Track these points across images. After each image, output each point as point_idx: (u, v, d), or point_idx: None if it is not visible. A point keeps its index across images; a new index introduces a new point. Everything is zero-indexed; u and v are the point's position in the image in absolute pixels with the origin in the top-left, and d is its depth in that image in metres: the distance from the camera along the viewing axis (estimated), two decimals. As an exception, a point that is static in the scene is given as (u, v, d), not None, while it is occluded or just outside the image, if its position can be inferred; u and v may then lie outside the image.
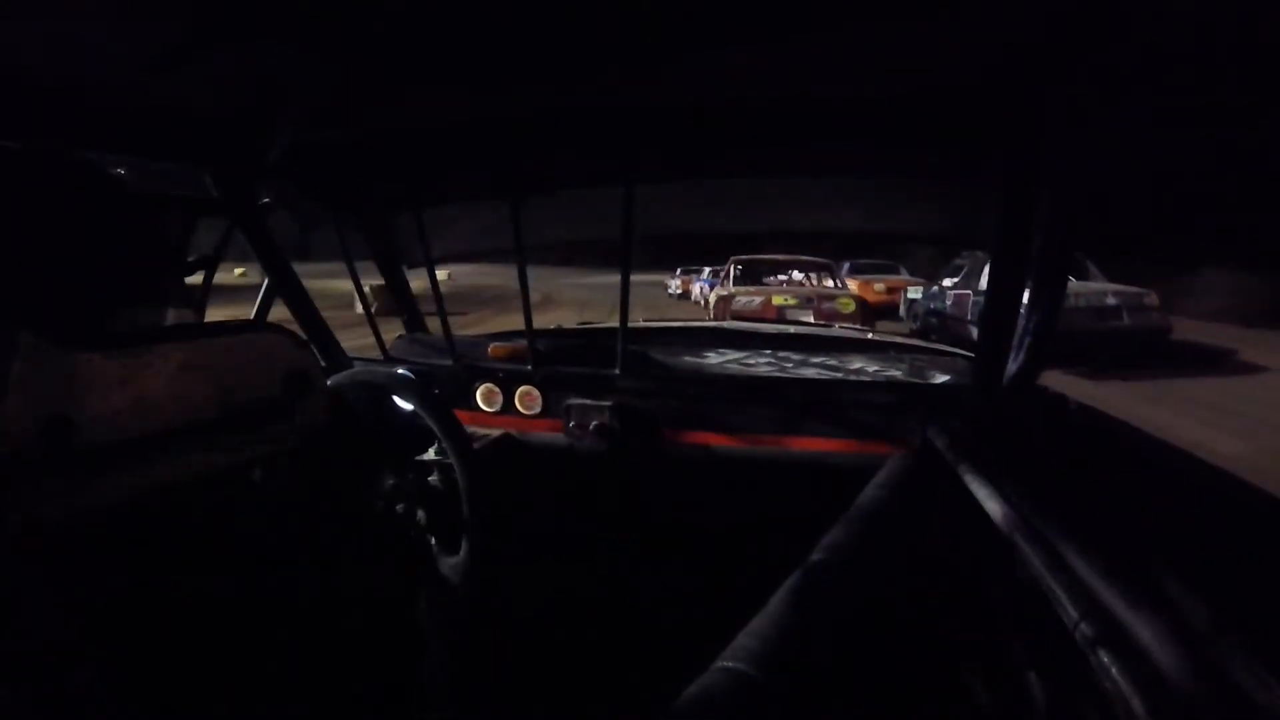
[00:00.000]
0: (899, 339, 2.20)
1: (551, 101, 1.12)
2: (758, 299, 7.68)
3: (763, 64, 0.95)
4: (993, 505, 0.85)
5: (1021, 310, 1.19)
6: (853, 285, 10.16)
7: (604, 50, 0.90)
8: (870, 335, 2.35)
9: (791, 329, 2.53)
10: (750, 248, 8.73)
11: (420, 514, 1.17)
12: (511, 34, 0.84)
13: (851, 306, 7.51)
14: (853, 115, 1.11)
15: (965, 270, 8.74)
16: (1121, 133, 0.94)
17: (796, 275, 8.93)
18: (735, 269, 8.64)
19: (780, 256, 8.87)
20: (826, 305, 7.59)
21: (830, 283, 8.52)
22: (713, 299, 8.27)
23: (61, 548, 0.70)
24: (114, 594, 0.76)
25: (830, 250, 9.16)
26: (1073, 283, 6.51)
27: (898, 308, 11.59)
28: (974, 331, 8.09)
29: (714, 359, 1.64)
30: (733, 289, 8.10)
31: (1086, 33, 0.76)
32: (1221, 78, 0.72)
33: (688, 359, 1.65)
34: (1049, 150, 1.04)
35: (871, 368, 1.60)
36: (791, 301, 7.60)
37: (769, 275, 8.99)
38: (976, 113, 1.04)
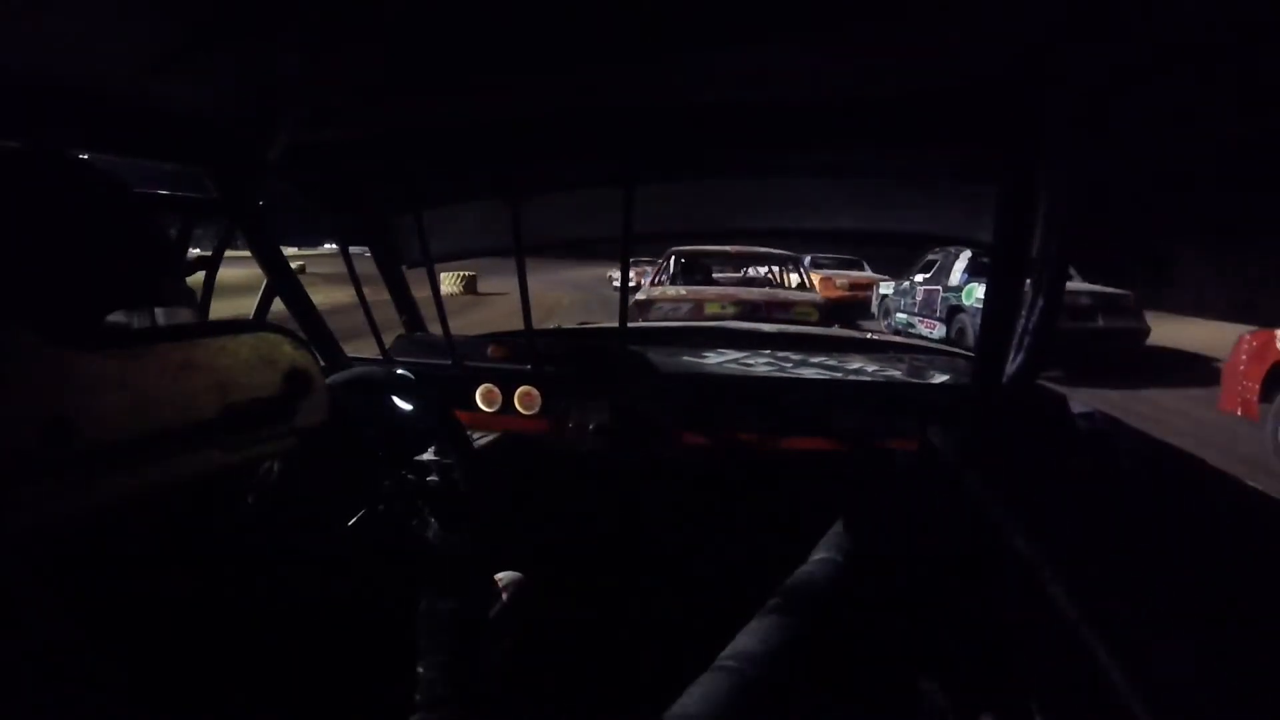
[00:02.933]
0: (899, 339, 2.21)
1: (551, 101, 1.12)
2: (685, 305, 5.71)
3: (763, 64, 0.95)
4: (993, 505, 0.85)
5: (1022, 310, 1.19)
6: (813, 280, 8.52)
7: (604, 50, 0.90)
8: (870, 335, 2.36)
9: (791, 329, 2.54)
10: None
11: (420, 515, 1.17)
12: (511, 34, 0.84)
13: (815, 315, 5.72)
14: (852, 116, 1.11)
15: (937, 266, 8.53)
16: (1121, 133, 0.94)
17: (753, 272, 7.21)
18: (673, 264, 6.48)
19: (730, 249, 6.79)
20: (780, 315, 5.51)
21: (795, 279, 6.89)
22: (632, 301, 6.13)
23: (61, 548, 0.70)
24: (114, 594, 0.76)
25: (801, 247, 8.07)
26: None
27: (862, 305, 11.16)
28: (942, 328, 7.93)
29: (714, 359, 1.64)
30: (651, 291, 5.99)
31: (1086, 33, 0.76)
32: (1221, 77, 0.72)
33: (687, 359, 1.65)
34: (1049, 150, 1.04)
35: (871, 368, 1.60)
36: (730, 309, 5.64)
37: (719, 271, 7.13)
38: (976, 113, 1.04)
